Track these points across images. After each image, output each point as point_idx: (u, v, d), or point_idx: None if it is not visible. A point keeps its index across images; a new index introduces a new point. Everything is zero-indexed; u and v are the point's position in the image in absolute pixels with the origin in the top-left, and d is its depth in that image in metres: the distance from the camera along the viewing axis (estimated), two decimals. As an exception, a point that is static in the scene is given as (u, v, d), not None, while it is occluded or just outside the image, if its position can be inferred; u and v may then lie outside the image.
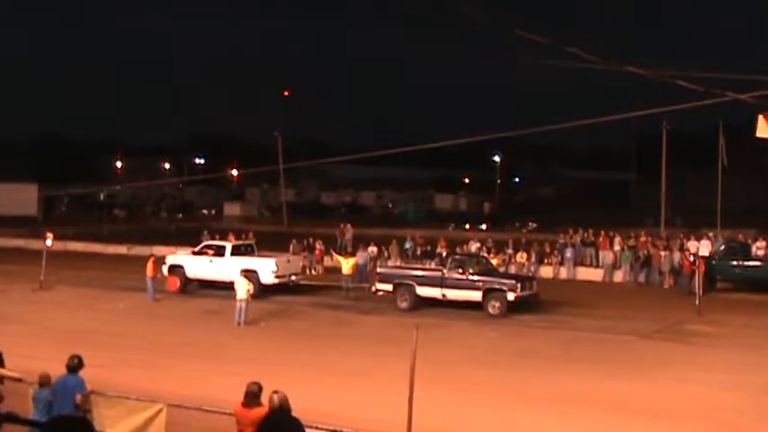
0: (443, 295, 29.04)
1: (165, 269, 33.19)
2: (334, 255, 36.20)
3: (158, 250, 42.19)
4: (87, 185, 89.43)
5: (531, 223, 71.30)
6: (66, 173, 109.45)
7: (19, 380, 12.75)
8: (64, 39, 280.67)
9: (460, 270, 29.03)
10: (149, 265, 30.95)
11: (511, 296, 27.93)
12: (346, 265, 32.93)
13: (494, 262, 34.91)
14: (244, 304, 26.35)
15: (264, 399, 10.09)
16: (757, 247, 36.15)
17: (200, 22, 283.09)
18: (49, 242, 34.70)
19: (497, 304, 27.95)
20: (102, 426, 11.65)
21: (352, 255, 36.55)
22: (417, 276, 29.84)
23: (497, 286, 28.31)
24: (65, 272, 36.08)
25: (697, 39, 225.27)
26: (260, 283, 31.24)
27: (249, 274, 29.59)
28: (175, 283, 32.93)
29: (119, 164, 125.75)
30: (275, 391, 9.74)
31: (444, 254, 36.91)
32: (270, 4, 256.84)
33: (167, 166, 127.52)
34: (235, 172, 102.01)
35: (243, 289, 26.50)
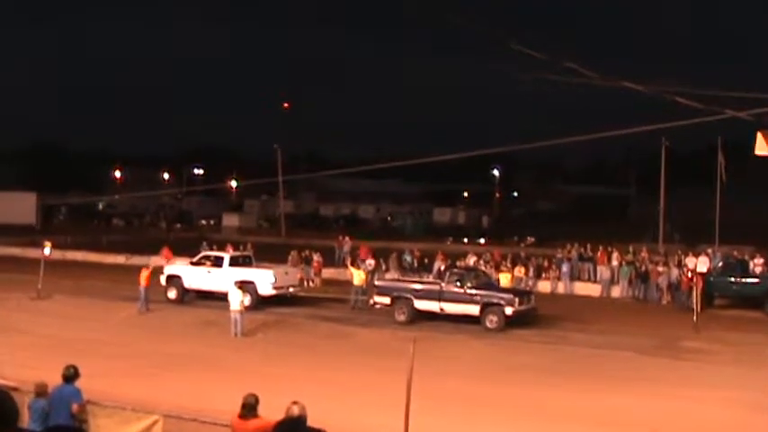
0: (441, 309, 29.03)
1: (162, 279, 33.24)
2: (349, 267, 35.92)
3: (156, 260, 42.16)
4: (86, 195, 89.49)
5: (528, 238, 71.30)
6: (65, 182, 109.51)
7: (15, 389, 12.73)
8: (63, 47, 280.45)
9: (458, 284, 29.02)
10: (143, 274, 30.87)
11: (509, 310, 27.92)
12: (358, 276, 33.00)
13: (508, 276, 34.86)
14: (238, 315, 26.34)
15: (262, 410, 10.11)
16: (755, 264, 36.19)
17: (200, 32, 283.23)
18: (47, 251, 34.70)
19: (495, 318, 27.93)
20: (97, 436, 11.67)
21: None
22: (415, 290, 29.81)
23: (495, 300, 28.31)
24: (63, 281, 36.04)
25: (696, 54, 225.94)
26: (258, 295, 31.28)
27: (247, 286, 29.59)
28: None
29: (117, 174, 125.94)
30: (294, 402, 9.76)
31: (442, 267, 36.90)
32: (270, 13, 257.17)
33: (166, 176, 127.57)
34: (234, 183, 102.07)
35: (237, 300, 26.49)
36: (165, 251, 35.18)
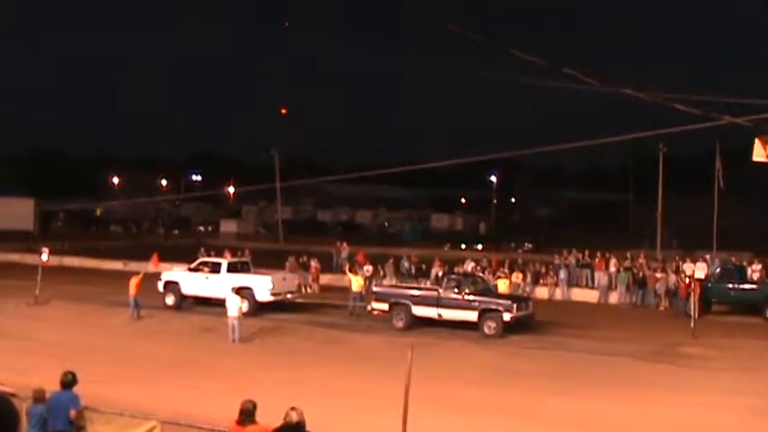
0: (439, 315, 29.00)
1: (160, 285, 33.23)
2: (347, 273, 35.82)
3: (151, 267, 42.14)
4: (84, 201, 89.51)
5: (526, 244, 71.33)
6: (63, 187, 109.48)
7: (13, 395, 12.70)
8: (63, 53, 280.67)
9: (456, 290, 29.01)
10: (133, 282, 30.78)
11: (507, 316, 27.91)
12: (356, 282, 33.01)
13: (505, 283, 34.83)
14: (236, 321, 26.31)
15: (260, 416, 10.10)
16: (752, 270, 36.19)
17: (199, 39, 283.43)
18: (44, 257, 34.61)
19: (493, 324, 27.92)
20: (95, 442, 11.65)
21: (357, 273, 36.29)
22: (413, 296, 29.80)
23: (493, 306, 28.29)
24: (60, 287, 35.97)
25: (695, 61, 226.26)
26: (255, 301, 31.23)
27: (244, 292, 29.56)
28: None
29: (116, 179, 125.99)
30: (293, 408, 9.77)
31: (440, 273, 36.90)
32: (269, 22, 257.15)
33: (164, 182, 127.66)
34: (232, 189, 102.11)
35: (234, 306, 26.47)
36: (154, 258, 35.11)
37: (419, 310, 29.31)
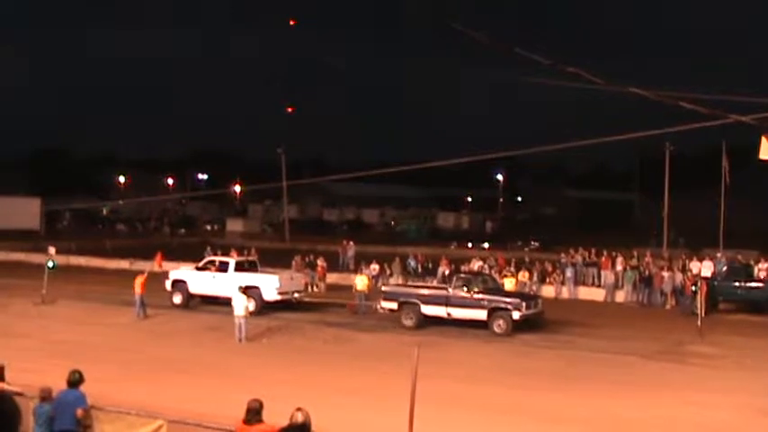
0: (448, 314, 28.99)
1: (167, 284, 33.29)
2: (356, 275, 35.74)
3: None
4: (90, 200, 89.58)
5: (533, 242, 71.20)
6: (69, 187, 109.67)
7: (20, 394, 12.74)
8: (65, 51, 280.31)
9: (465, 289, 29.00)
10: (138, 281, 30.82)
11: (516, 315, 27.90)
12: (361, 282, 33.09)
13: (512, 281, 34.87)
14: (243, 321, 26.34)
15: (266, 415, 10.12)
16: (759, 269, 36.10)
17: (201, 37, 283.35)
18: (50, 264, 34.18)
19: (502, 323, 27.92)
20: (102, 441, 11.67)
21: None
22: (422, 295, 29.80)
23: (502, 305, 28.28)
24: (67, 286, 36.06)
25: (699, 59, 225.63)
26: (262, 300, 31.26)
27: (251, 291, 29.58)
28: None
29: (121, 178, 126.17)
30: (299, 408, 9.79)
31: (447, 272, 36.89)
32: (271, 20, 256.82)
33: (170, 181, 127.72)
34: (238, 188, 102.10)
35: (241, 305, 26.49)
36: (158, 257, 35.28)
37: (428, 309, 29.30)
